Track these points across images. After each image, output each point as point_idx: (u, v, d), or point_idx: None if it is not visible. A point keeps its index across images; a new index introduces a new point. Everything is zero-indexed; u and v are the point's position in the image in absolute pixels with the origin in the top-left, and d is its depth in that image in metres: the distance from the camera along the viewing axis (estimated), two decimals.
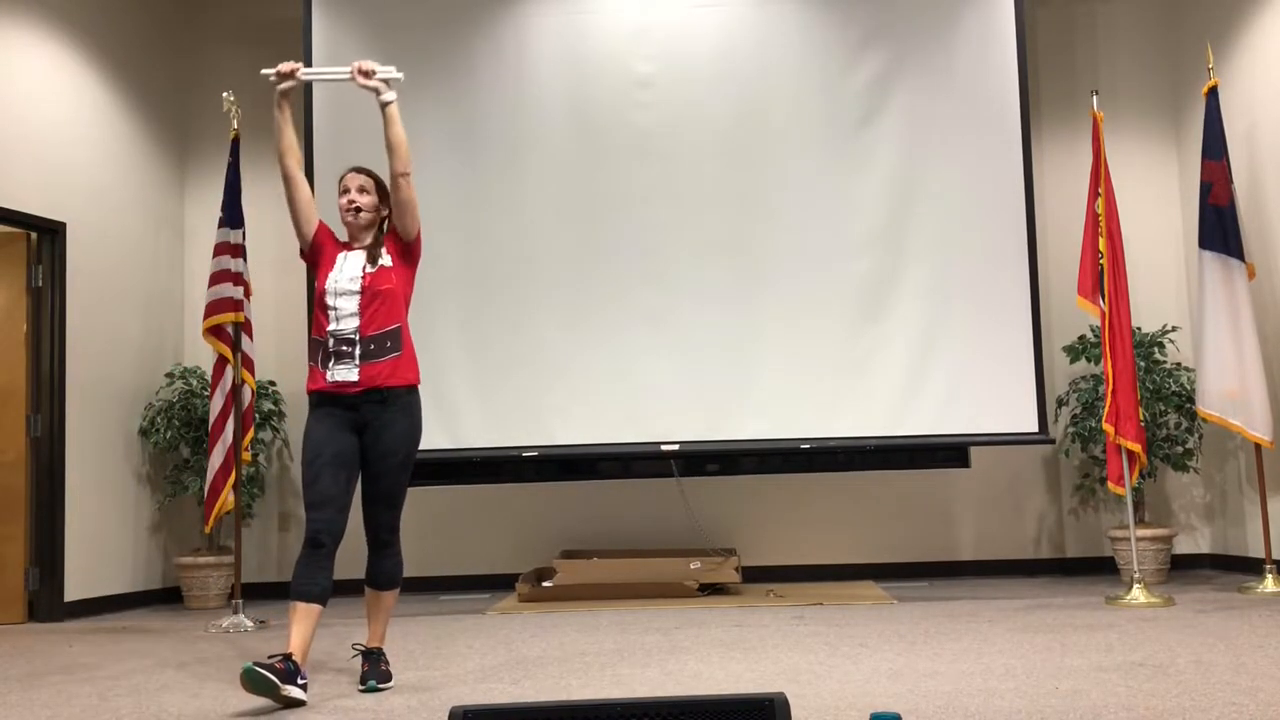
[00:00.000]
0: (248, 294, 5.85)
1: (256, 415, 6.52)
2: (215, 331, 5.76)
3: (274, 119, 3.82)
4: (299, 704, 3.38)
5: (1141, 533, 6.02)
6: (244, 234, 5.86)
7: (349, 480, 3.65)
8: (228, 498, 5.77)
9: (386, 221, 3.88)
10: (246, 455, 5.85)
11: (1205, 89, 5.87)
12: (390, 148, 3.77)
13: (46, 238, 6.06)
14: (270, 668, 3.30)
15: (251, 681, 3.26)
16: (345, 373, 3.66)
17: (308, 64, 6.27)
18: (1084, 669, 3.57)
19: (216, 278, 5.77)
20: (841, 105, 6.15)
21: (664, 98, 6.21)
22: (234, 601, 5.56)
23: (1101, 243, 5.59)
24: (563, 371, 6.09)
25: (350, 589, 6.87)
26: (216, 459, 5.76)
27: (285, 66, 3.78)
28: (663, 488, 6.74)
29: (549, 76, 6.26)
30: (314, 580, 3.51)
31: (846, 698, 3.26)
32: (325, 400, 3.69)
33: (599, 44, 6.26)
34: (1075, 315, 6.67)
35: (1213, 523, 6.69)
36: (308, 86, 6.24)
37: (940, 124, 6.09)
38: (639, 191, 6.18)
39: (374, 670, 3.67)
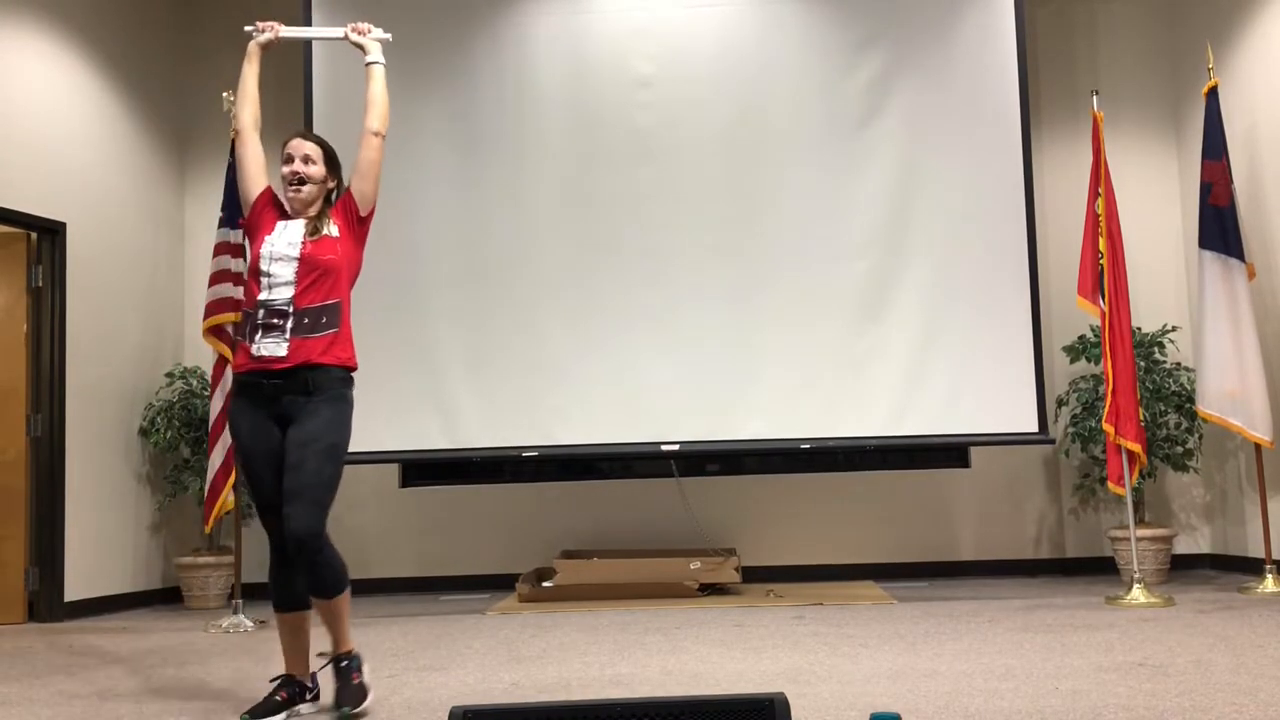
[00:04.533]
0: None
1: None
2: (215, 331, 5.76)
3: (242, 69, 3.57)
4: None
5: (1141, 533, 6.02)
6: (244, 234, 5.86)
7: None
8: (228, 498, 5.77)
9: (334, 194, 3.54)
10: None
11: (1205, 89, 5.87)
12: (370, 101, 3.52)
13: (46, 238, 6.06)
14: (274, 708, 3.22)
15: None
16: (273, 346, 3.28)
17: (306, 65, 6.27)
18: (1084, 669, 3.57)
19: (216, 278, 5.78)
20: (841, 105, 6.14)
21: (664, 98, 6.21)
22: (234, 601, 5.56)
23: (1101, 243, 5.59)
24: (563, 371, 6.08)
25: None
26: (216, 459, 5.76)
27: (267, 26, 3.59)
28: (663, 488, 6.74)
29: (549, 76, 6.26)
30: (284, 587, 3.34)
31: (846, 698, 3.26)
32: (246, 387, 3.34)
33: (599, 44, 6.26)
34: (1075, 315, 6.67)
35: (1213, 523, 6.69)
36: (307, 71, 6.23)
37: (940, 124, 6.09)
38: (639, 191, 6.17)
39: (345, 689, 3.30)
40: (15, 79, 5.88)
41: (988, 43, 6.10)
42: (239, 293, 5.76)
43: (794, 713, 2.97)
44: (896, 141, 6.10)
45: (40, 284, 6.04)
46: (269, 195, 3.49)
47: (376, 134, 3.49)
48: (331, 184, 3.50)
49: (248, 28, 3.67)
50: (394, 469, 6.87)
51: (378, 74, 3.55)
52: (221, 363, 5.77)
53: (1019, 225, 6.02)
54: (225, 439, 5.76)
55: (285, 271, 3.32)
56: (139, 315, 6.71)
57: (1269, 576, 5.52)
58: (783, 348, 6.04)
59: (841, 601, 5.65)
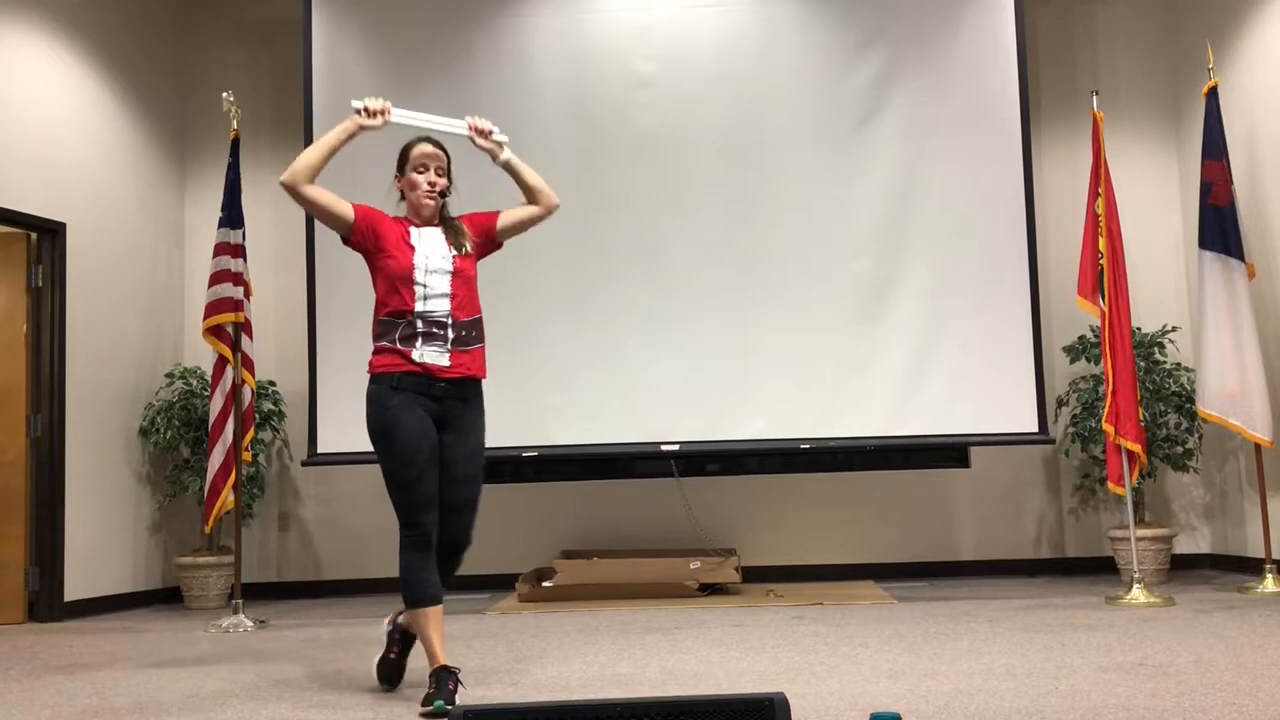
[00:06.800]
0: (248, 294, 5.85)
1: (256, 415, 6.52)
2: (215, 331, 5.76)
3: (330, 135, 3.51)
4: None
5: (1141, 533, 6.02)
6: (244, 234, 5.86)
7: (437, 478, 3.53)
8: (228, 498, 5.77)
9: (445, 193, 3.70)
10: (246, 455, 5.85)
11: (1205, 89, 5.87)
12: (535, 189, 3.69)
13: (46, 238, 6.06)
14: (451, 694, 3.27)
15: (442, 715, 3.20)
16: (436, 355, 3.48)
17: (306, 65, 6.27)
18: (1084, 669, 3.57)
19: (216, 278, 5.78)
20: (841, 105, 6.15)
21: (664, 98, 6.21)
22: (234, 601, 5.56)
23: (1101, 243, 5.58)
24: (563, 371, 6.08)
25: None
26: (216, 459, 5.76)
27: (375, 105, 3.52)
28: (663, 488, 6.74)
29: (549, 77, 6.26)
30: (433, 583, 3.44)
31: (846, 698, 3.26)
32: (409, 385, 3.47)
33: (599, 44, 6.26)
34: (1075, 315, 6.67)
35: (1213, 523, 6.69)
36: (307, 71, 6.23)
37: (940, 124, 6.09)
38: (639, 191, 6.18)
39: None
40: (15, 79, 5.88)
41: (988, 43, 6.11)
42: (239, 293, 5.76)
43: (794, 713, 2.97)
44: (896, 141, 6.10)
45: (40, 284, 6.04)
46: (369, 211, 3.59)
47: (553, 209, 3.73)
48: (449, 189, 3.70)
49: (355, 103, 3.52)
50: None
51: (521, 163, 3.71)
52: (221, 363, 5.77)
53: (1019, 225, 6.02)
54: (225, 439, 5.76)
55: (440, 284, 3.52)
56: (139, 315, 6.71)
57: (1269, 576, 5.52)
58: (783, 347, 6.04)
59: (841, 601, 5.65)
